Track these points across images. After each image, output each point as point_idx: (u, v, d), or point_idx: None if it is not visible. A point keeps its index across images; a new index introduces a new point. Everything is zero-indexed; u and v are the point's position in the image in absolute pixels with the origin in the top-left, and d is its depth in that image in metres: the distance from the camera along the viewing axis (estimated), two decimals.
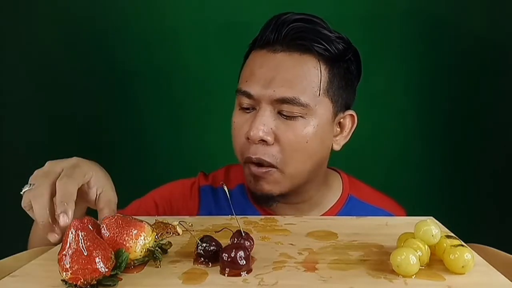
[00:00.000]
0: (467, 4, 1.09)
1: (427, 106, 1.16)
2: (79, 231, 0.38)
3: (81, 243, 0.37)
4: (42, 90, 1.20)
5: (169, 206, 0.76)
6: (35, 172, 0.51)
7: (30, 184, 0.49)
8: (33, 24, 1.17)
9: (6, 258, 0.53)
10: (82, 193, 0.51)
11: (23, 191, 0.50)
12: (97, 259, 0.37)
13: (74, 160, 0.52)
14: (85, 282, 0.37)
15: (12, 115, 1.21)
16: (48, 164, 0.51)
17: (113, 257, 0.39)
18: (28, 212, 0.50)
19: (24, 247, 0.58)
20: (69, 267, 0.37)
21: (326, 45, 0.64)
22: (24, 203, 0.49)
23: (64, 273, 0.37)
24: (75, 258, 0.37)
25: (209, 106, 1.19)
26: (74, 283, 0.37)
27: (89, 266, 0.37)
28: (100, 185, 0.52)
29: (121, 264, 0.40)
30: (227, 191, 0.49)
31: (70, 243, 0.38)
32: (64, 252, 0.38)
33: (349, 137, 0.71)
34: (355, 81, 0.70)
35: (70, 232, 0.38)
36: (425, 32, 1.11)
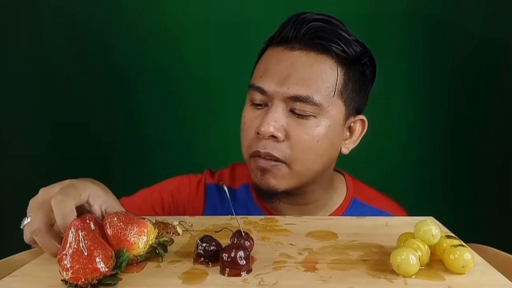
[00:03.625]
0: (467, 4, 1.09)
1: (427, 106, 1.16)
2: (79, 231, 0.38)
3: (82, 243, 0.37)
4: (42, 91, 1.20)
5: (175, 201, 0.76)
6: (30, 202, 0.48)
7: (28, 217, 0.47)
8: (33, 25, 1.17)
9: (6, 258, 0.53)
10: (84, 212, 0.49)
11: (22, 225, 0.47)
12: (97, 259, 0.37)
13: (67, 181, 0.49)
14: (86, 282, 0.37)
15: (13, 114, 1.21)
16: (41, 192, 0.48)
17: (113, 256, 0.39)
18: (32, 246, 0.48)
19: (23, 248, 0.58)
20: (70, 266, 0.37)
21: (344, 46, 0.64)
22: (26, 239, 0.47)
23: (65, 273, 0.37)
24: (76, 258, 0.37)
25: (209, 105, 1.19)
26: (75, 282, 0.37)
27: (89, 266, 0.37)
28: (102, 200, 0.50)
29: (121, 263, 0.40)
30: (227, 191, 0.49)
31: (70, 243, 0.38)
32: (65, 252, 0.38)
33: (358, 142, 0.71)
34: (369, 86, 0.70)
35: (70, 232, 0.38)
36: (425, 32, 1.11)
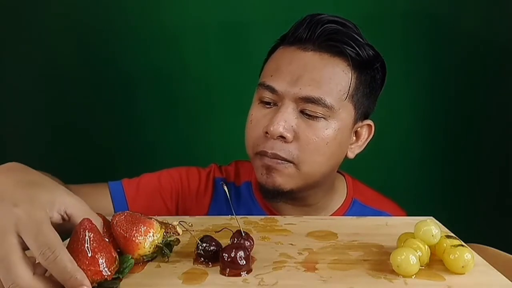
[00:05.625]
0: (467, 4, 1.09)
1: (427, 106, 1.16)
2: (87, 231, 0.38)
3: (87, 244, 0.37)
4: (41, 91, 1.20)
5: (185, 190, 0.75)
6: None
7: None
8: (33, 27, 1.17)
9: None
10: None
11: None
12: (100, 261, 0.37)
13: (7, 179, 0.38)
14: None
15: (13, 114, 1.21)
16: None
17: (117, 261, 0.39)
18: None
19: None
20: None
21: (358, 49, 0.64)
22: None
23: None
24: (80, 258, 0.37)
25: (209, 105, 1.19)
26: None
27: (92, 268, 0.37)
28: (61, 201, 0.39)
29: (124, 269, 0.40)
30: (227, 191, 0.49)
31: (76, 243, 0.38)
32: (69, 251, 0.38)
33: (364, 146, 0.70)
34: (378, 91, 0.70)
35: (78, 232, 0.38)
36: (425, 32, 1.11)
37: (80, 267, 0.36)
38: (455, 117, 1.15)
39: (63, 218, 0.39)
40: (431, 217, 0.54)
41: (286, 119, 0.62)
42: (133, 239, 0.41)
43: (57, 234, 0.35)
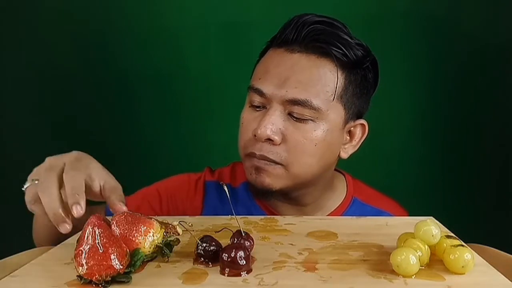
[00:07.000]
0: (467, 5, 1.09)
1: (426, 106, 1.16)
2: (96, 228, 0.39)
3: (98, 240, 0.38)
4: (41, 91, 1.20)
5: (173, 199, 0.75)
6: (36, 169, 0.51)
7: (32, 180, 0.49)
8: (32, 25, 1.17)
9: (7, 258, 0.53)
10: (85, 187, 0.51)
11: (25, 187, 0.50)
12: (112, 256, 0.38)
13: (74, 154, 0.52)
14: (100, 278, 0.38)
15: (13, 114, 1.21)
16: (49, 160, 0.51)
17: (128, 254, 0.40)
18: (31, 207, 0.50)
19: (23, 248, 0.57)
20: (85, 262, 0.38)
21: (344, 50, 0.63)
22: (28, 198, 0.50)
23: (80, 268, 0.38)
24: (91, 254, 0.38)
25: (210, 105, 1.19)
26: (89, 278, 0.38)
27: (104, 263, 0.38)
28: (102, 177, 0.52)
29: (135, 262, 0.40)
30: (227, 191, 0.49)
31: (86, 239, 0.38)
32: (81, 248, 0.38)
33: (358, 146, 0.70)
34: (371, 90, 0.69)
35: (87, 229, 0.39)
36: (425, 33, 1.11)
37: (92, 262, 0.37)
38: (455, 117, 1.15)
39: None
40: (431, 217, 0.54)
41: (274, 122, 0.62)
42: (133, 239, 0.41)
43: (83, 185, 0.48)
